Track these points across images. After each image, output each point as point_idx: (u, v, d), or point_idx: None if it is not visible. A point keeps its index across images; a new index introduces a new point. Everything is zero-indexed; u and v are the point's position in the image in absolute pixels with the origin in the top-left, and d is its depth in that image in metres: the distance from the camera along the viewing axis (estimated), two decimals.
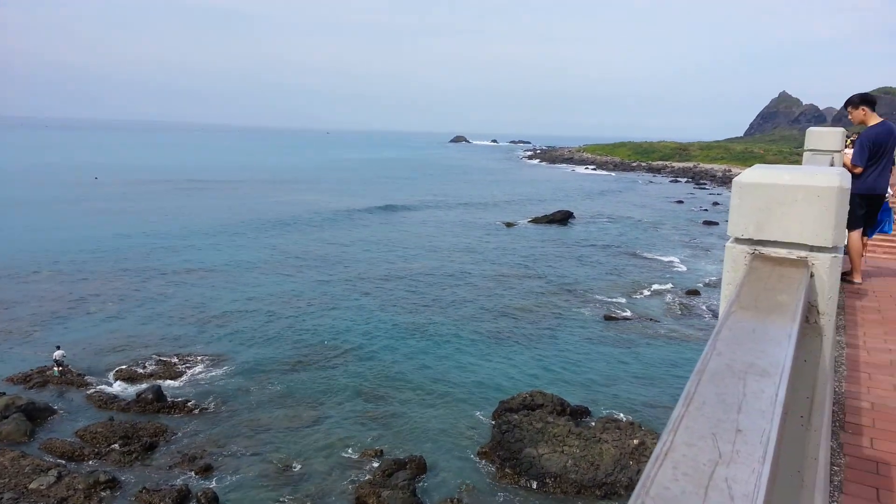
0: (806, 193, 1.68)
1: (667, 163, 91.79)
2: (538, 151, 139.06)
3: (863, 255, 6.80)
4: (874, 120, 6.47)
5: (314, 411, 14.19)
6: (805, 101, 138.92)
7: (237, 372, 16.01)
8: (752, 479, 0.79)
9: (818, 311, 1.72)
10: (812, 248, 1.70)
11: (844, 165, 6.40)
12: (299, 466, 11.98)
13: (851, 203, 6.40)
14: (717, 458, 0.84)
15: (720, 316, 1.34)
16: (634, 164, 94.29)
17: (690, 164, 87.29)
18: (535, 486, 11.47)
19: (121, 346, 17.27)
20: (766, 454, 0.84)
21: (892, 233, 9.78)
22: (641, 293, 24.19)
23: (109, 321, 19.15)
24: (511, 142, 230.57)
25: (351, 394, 15.06)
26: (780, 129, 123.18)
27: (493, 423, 13.59)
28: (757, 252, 1.75)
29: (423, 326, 19.59)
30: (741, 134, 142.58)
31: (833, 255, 1.69)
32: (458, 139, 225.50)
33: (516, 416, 13.28)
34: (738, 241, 1.78)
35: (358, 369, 16.42)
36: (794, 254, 1.71)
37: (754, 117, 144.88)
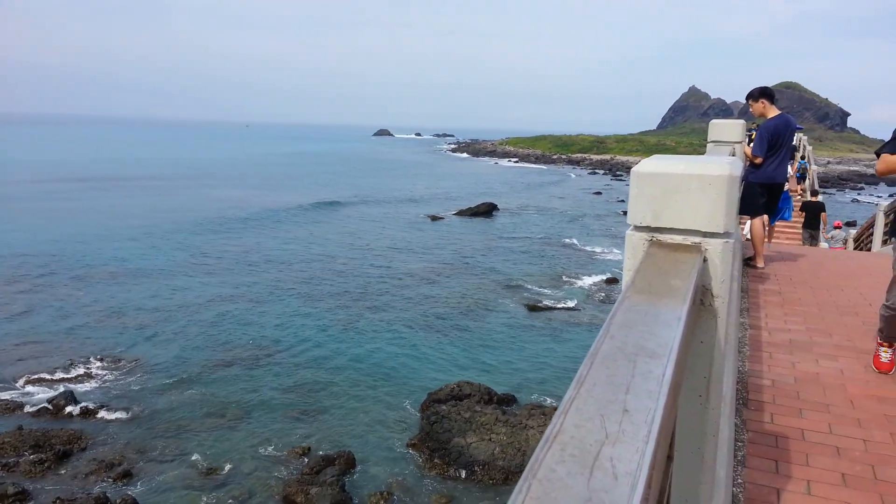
0: (699, 182, 1.76)
1: (585, 155, 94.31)
2: (462, 144, 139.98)
3: (765, 241, 7.18)
4: (773, 112, 6.84)
5: (239, 411, 13.85)
6: (713, 96, 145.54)
7: (157, 374, 15.42)
8: (635, 458, 0.82)
9: (713, 294, 1.80)
10: (705, 234, 1.78)
11: (746, 156, 6.75)
12: (224, 467, 11.67)
13: (753, 192, 6.77)
14: (603, 439, 0.87)
15: (617, 301, 1.39)
16: (555, 157, 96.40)
17: (608, 157, 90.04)
18: (463, 475, 11.60)
19: (30, 351, 16.33)
20: (650, 433, 0.88)
21: (792, 219, 10.46)
22: (564, 282, 24.81)
23: (16, 324, 18.07)
24: (435, 135, 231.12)
25: (277, 392, 14.78)
26: (690, 122, 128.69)
27: (422, 414, 13.64)
28: (654, 239, 1.82)
29: (350, 322, 19.44)
30: (654, 127, 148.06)
31: (725, 240, 1.78)
32: (381, 132, 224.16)
33: (444, 407, 13.38)
34: (637, 228, 1.84)
35: (284, 367, 16.14)
36: (689, 240, 1.79)
37: (666, 111, 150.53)
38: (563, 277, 25.45)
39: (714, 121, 5.45)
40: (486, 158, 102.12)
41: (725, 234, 1.78)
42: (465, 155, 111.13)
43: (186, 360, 16.23)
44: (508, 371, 16.45)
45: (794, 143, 38.49)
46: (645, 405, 0.95)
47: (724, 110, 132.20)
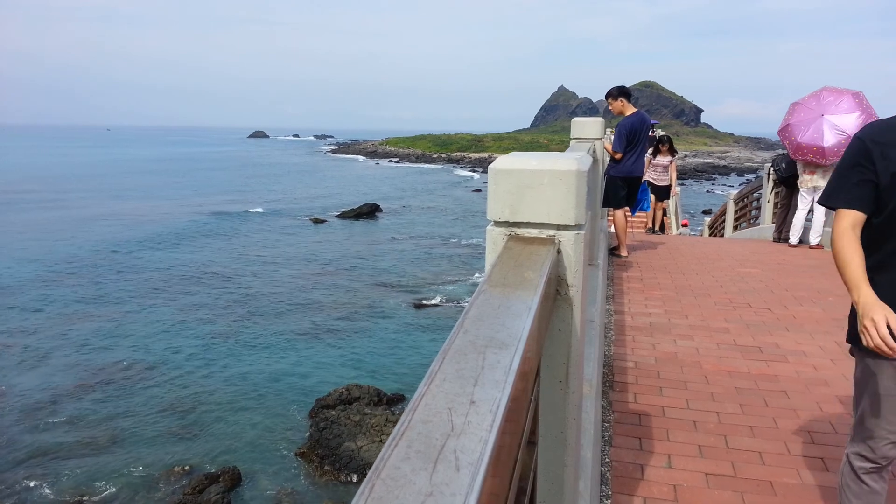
0: (550, 177, 1.84)
1: (464, 154, 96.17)
2: (342, 145, 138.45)
3: (627, 231, 7.60)
4: (630, 110, 7.26)
5: (112, 433, 12.94)
6: (581, 95, 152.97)
7: (16, 400, 14.11)
8: (478, 448, 0.84)
9: (567, 284, 1.88)
10: (559, 227, 1.86)
11: (607, 151, 7.12)
12: (97, 494, 10.88)
13: (614, 185, 7.16)
14: (449, 432, 0.88)
15: (473, 295, 1.42)
16: (435, 156, 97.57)
17: (485, 155, 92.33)
18: (355, 479, 11.50)
19: None
20: (494, 421, 0.90)
21: (650, 210, 11.30)
22: (450, 279, 25.17)
23: None
24: (314, 136, 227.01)
25: (154, 412, 13.95)
26: (561, 121, 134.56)
27: (311, 422, 13.37)
28: (513, 233, 1.88)
29: (230, 333, 18.70)
30: (528, 125, 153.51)
31: (577, 232, 1.86)
32: (257, 134, 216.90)
33: (333, 413, 13.19)
34: (496, 224, 1.90)
35: (161, 385, 15.26)
36: (544, 233, 1.86)
37: (538, 110, 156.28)
38: (448, 274, 25.83)
39: (575, 119, 5.71)
40: (367, 159, 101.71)
41: (577, 227, 1.87)
42: (345, 156, 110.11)
43: (50, 384, 14.97)
44: (398, 371, 16.48)
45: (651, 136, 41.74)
46: (491, 395, 0.97)
47: (590, 108, 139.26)
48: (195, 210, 42.33)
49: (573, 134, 5.72)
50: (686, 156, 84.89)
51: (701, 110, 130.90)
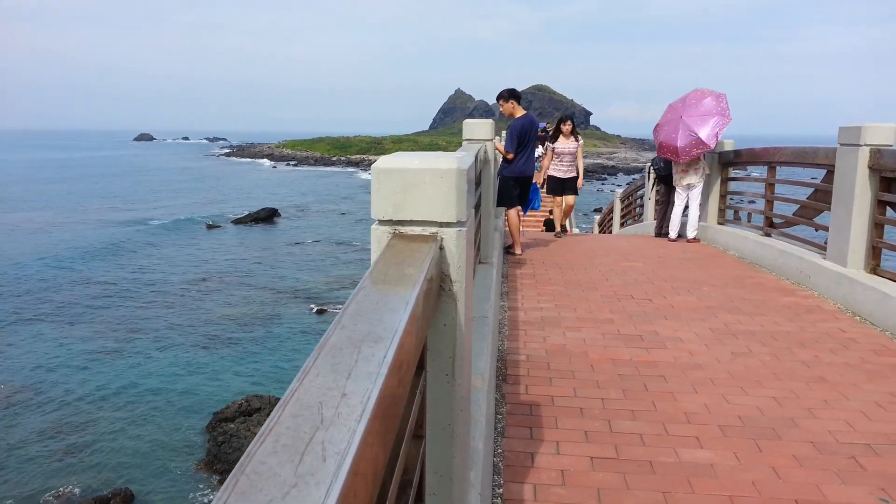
0: (432, 176, 1.89)
1: (364, 156, 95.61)
2: (236, 148, 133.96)
3: (521, 229, 7.83)
4: (520, 112, 7.48)
5: None
6: (477, 98, 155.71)
7: None
8: (346, 437, 0.86)
9: (451, 280, 1.93)
10: (441, 225, 1.91)
11: (499, 152, 7.31)
12: None
13: (507, 185, 7.37)
14: (318, 424, 0.89)
15: (353, 292, 1.44)
16: (335, 159, 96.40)
17: (383, 157, 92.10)
18: None
19: None
20: (363, 412, 0.92)
21: (541, 209, 11.44)
22: (350, 283, 24.95)
23: None
24: (206, 139, 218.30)
25: (37, 434, 12.98)
26: (458, 123, 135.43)
27: (208, 436, 12.88)
28: (397, 231, 1.92)
29: (120, 349, 17.67)
30: (427, 128, 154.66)
31: (458, 228, 1.92)
32: (143, 137, 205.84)
33: (232, 426, 12.76)
34: (381, 222, 1.92)
35: (43, 408, 14.21)
36: (427, 230, 1.91)
37: (436, 112, 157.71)
38: (350, 278, 25.59)
39: (467, 121, 5.84)
40: (264, 161, 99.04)
41: (459, 224, 1.93)
42: (240, 159, 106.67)
43: None
44: None
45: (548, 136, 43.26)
46: (363, 387, 0.99)
47: (486, 111, 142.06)
48: (73, 220, 39.64)
49: (465, 135, 5.84)
50: None
51: (590, 113, 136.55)
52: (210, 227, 37.64)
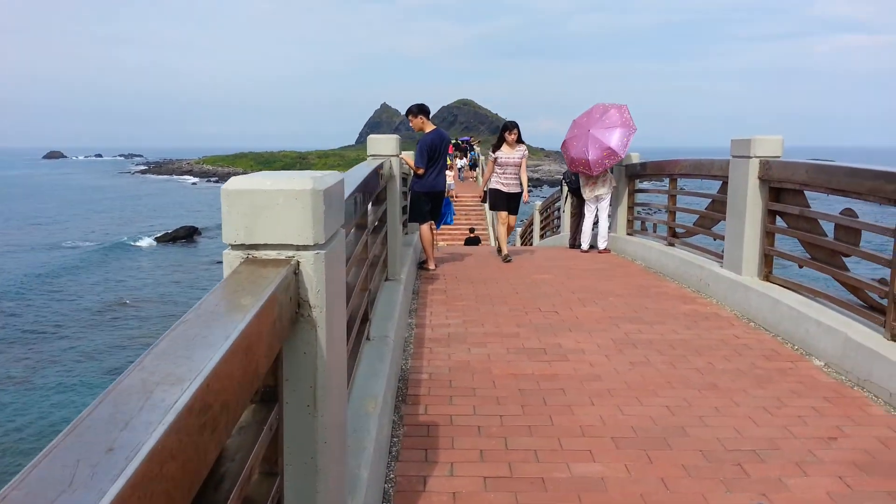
0: (285, 197, 1.79)
1: (290, 172, 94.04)
2: (154, 165, 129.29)
3: (434, 244, 7.79)
4: (430, 127, 7.46)
5: None
6: (403, 112, 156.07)
7: None
8: (93, 498, 0.76)
9: (310, 305, 1.84)
10: (298, 248, 1.81)
11: (410, 167, 7.26)
12: None
13: (419, 201, 7.32)
14: (67, 486, 0.79)
15: (170, 328, 1.32)
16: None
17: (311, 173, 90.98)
18: None
19: None
20: (126, 469, 0.82)
21: (454, 224, 11.46)
22: None
23: None
24: (121, 155, 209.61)
25: None
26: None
27: None
28: (250, 256, 1.81)
29: (28, 378, 16.57)
30: (353, 142, 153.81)
31: (317, 252, 1.83)
32: (53, 155, 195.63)
33: None
34: (233, 247, 1.81)
35: None
36: (283, 254, 1.81)
37: (363, 126, 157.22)
38: None
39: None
40: (184, 178, 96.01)
41: (317, 246, 1.84)
42: (157, 176, 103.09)
43: None
44: None
45: (470, 147, 43.95)
46: (135, 440, 0.88)
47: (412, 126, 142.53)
48: None
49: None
50: None
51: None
52: (125, 246, 36.04)
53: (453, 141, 56.07)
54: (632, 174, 8.90)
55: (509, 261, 8.19)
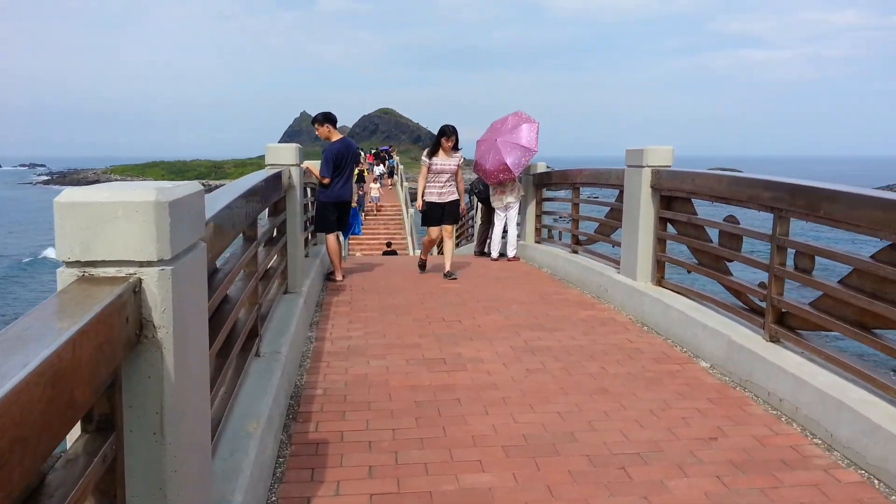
0: (125, 209, 1.67)
1: (204, 181, 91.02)
2: (57, 176, 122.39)
3: (341, 255, 7.66)
4: (336, 136, 7.35)
5: None
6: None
7: None
8: None
9: (154, 326, 1.72)
10: (141, 264, 1.70)
11: (315, 177, 7.12)
12: None
13: (325, 210, 7.18)
14: None
15: None
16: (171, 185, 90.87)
17: (226, 182, 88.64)
18: None
19: None
20: None
21: (370, 235, 11.37)
22: None
23: None
24: (21, 165, 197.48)
25: None
26: (305, 146, 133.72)
27: None
28: (87, 273, 1.68)
29: None
30: None
31: (161, 268, 1.72)
32: None
33: None
34: (68, 264, 1.68)
35: None
36: (124, 271, 1.69)
37: (282, 135, 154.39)
38: None
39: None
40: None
41: (163, 262, 1.73)
42: (62, 187, 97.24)
43: None
44: None
45: (388, 156, 44.02)
46: None
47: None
48: None
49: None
50: None
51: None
52: (24, 263, 33.86)
53: (373, 150, 55.84)
54: (539, 183, 9.06)
55: (454, 279, 7.44)
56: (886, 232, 3.22)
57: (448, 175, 7.56)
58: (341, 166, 7.19)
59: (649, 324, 5.41)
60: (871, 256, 3.39)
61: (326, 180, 7.07)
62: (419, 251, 25.26)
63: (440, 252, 9.78)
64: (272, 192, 4.72)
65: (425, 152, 7.66)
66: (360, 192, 29.71)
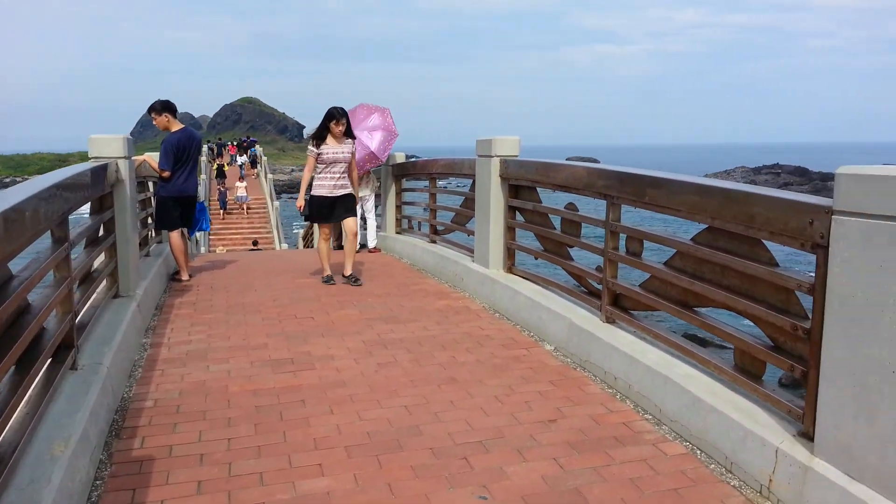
0: None
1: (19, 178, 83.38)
2: None
3: (187, 253, 7.21)
4: (177, 126, 6.87)
5: None
6: (181, 110, 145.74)
7: None
8: None
9: None
10: None
11: (154, 170, 6.63)
12: None
13: (167, 206, 6.70)
14: None
15: None
16: (8, 180, 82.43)
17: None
18: None
19: None
20: None
21: (210, 230, 10.84)
22: None
23: None
24: None
25: None
26: (161, 136, 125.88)
27: None
28: None
29: None
30: None
31: None
32: None
33: None
34: None
35: None
36: None
37: (134, 125, 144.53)
38: None
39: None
40: None
41: None
42: None
43: None
44: None
45: (250, 144, 42.50)
46: None
47: (192, 123, 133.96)
48: None
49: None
50: (293, 170, 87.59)
51: (303, 126, 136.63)
52: None
53: (235, 142, 53.52)
54: (398, 174, 9.01)
55: (359, 284, 6.61)
56: (703, 215, 3.42)
57: (342, 165, 6.56)
58: (183, 158, 6.73)
59: (501, 310, 5.51)
60: (691, 239, 3.60)
61: (167, 173, 6.60)
62: (285, 245, 24.51)
63: (338, 246, 9.01)
64: (93, 186, 4.30)
65: (311, 141, 6.64)
66: (221, 188, 28.18)
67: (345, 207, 6.68)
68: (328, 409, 3.63)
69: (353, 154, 6.69)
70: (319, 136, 6.56)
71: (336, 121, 6.48)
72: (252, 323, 5.28)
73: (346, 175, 6.66)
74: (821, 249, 2.63)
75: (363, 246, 9.00)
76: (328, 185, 6.58)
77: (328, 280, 6.77)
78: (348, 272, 6.76)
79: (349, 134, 6.66)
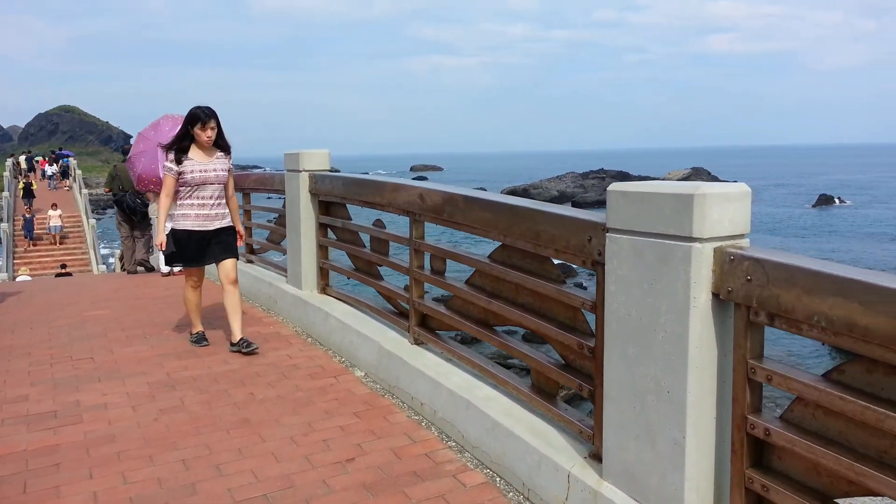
0: None
1: None
2: None
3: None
4: None
5: None
6: None
7: None
8: None
9: None
10: None
11: None
12: None
13: None
14: None
15: None
16: None
17: None
18: None
19: None
20: None
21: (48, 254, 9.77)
22: None
23: None
24: None
25: None
26: None
27: None
28: None
29: None
30: None
31: None
32: None
33: None
34: None
35: None
36: None
37: None
38: None
39: None
40: None
41: None
42: None
43: None
44: None
45: (62, 155, 38.73)
46: None
47: (2, 135, 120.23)
48: None
49: None
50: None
51: (130, 136, 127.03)
52: None
53: (46, 156, 48.37)
54: None
55: (254, 351, 4.83)
56: (496, 232, 3.31)
57: (215, 188, 4.81)
58: None
59: (314, 335, 5.17)
60: (488, 256, 3.49)
61: None
62: (103, 268, 22.39)
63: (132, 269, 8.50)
64: None
65: (168, 156, 4.76)
66: (27, 213, 24.63)
67: (222, 246, 4.88)
68: (87, 473, 3.10)
69: (229, 171, 4.93)
70: (180, 148, 4.74)
71: (202, 124, 4.66)
72: (16, 369, 4.52)
73: (221, 201, 4.88)
74: (599, 267, 2.58)
75: (151, 269, 8.43)
76: (195, 213, 4.77)
77: (199, 339, 5.08)
78: (237, 337, 4.88)
79: (222, 144, 4.87)
